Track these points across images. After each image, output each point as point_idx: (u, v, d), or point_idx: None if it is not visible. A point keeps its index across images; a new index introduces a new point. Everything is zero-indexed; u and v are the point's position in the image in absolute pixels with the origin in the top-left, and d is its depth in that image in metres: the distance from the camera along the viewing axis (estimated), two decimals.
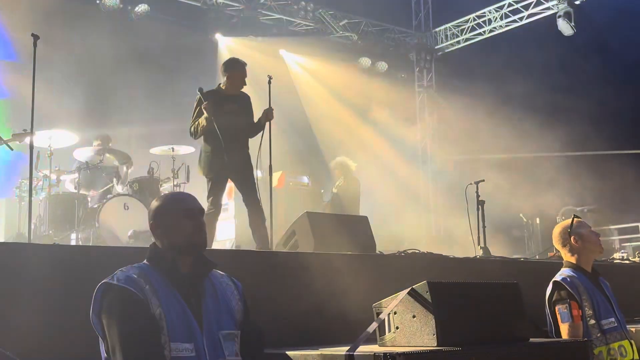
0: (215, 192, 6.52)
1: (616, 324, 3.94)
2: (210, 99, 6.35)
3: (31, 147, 6.09)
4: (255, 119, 6.77)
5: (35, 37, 6.04)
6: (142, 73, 10.96)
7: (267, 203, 7.33)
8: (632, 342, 3.95)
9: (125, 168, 8.78)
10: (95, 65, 10.32)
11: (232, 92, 6.58)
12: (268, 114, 6.64)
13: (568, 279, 3.96)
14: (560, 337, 3.85)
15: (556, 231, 4.22)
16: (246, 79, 6.61)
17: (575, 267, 4.08)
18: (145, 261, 2.83)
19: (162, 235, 2.85)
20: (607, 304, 4.00)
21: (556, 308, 3.89)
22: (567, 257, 4.17)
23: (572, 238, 4.10)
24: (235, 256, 4.94)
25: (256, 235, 6.54)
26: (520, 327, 3.42)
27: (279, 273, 4.61)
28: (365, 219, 6.50)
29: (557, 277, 4.01)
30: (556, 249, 4.47)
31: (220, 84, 6.67)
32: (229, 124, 6.41)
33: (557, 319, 3.88)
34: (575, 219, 4.17)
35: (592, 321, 3.87)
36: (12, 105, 9.45)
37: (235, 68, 6.56)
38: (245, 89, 6.73)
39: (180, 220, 2.83)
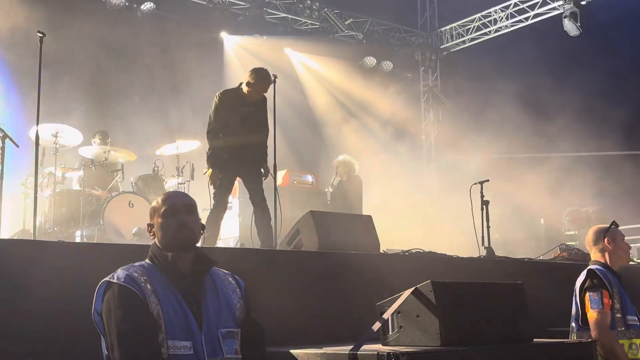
0: (222, 190, 6.54)
1: (638, 322, 4.04)
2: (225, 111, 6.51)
3: (37, 144, 6.11)
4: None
5: (42, 35, 6.05)
6: (148, 70, 11.00)
7: (272, 202, 7.34)
8: None
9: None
10: (101, 63, 10.34)
11: (252, 97, 6.63)
12: (265, 173, 6.78)
13: (602, 269, 4.08)
14: (587, 325, 3.92)
15: (593, 229, 4.35)
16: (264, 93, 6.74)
17: (603, 265, 4.19)
18: (146, 259, 2.86)
19: (155, 235, 2.92)
20: (630, 302, 4.10)
21: (587, 294, 3.96)
22: (596, 256, 4.27)
23: (606, 239, 4.22)
24: (239, 254, 4.95)
25: (261, 234, 6.58)
26: (524, 327, 3.42)
27: (283, 271, 4.62)
28: (369, 218, 6.50)
29: (592, 266, 4.12)
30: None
31: (242, 83, 6.68)
32: (243, 125, 6.56)
33: (585, 305, 3.95)
34: (614, 224, 4.32)
35: (619, 315, 3.96)
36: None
37: (264, 80, 6.61)
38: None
39: (164, 219, 2.88)
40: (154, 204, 3.00)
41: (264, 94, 6.76)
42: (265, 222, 6.59)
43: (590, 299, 3.93)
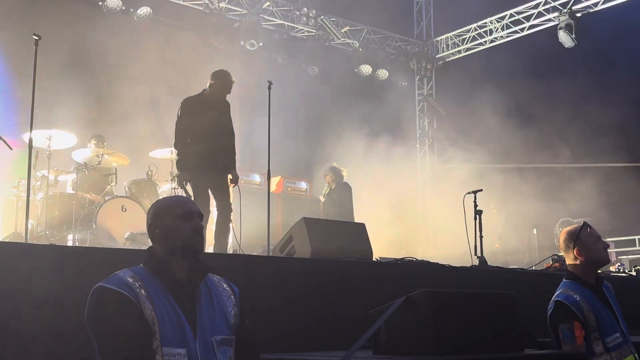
0: (200, 200, 6.42)
1: (621, 339, 3.77)
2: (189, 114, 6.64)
3: (30, 146, 6.09)
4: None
5: (37, 38, 6.05)
6: (143, 75, 10.99)
7: (265, 208, 7.34)
8: (636, 356, 3.85)
9: None
10: (96, 67, 10.34)
11: (215, 99, 6.81)
12: (234, 180, 6.85)
13: (571, 298, 3.76)
14: None
15: (562, 236, 3.99)
16: (231, 89, 6.90)
17: (576, 279, 3.89)
18: (141, 264, 2.82)
19: (160, 237, 2.83)
20: (611, 316, 3.83)
21: (559, 328, 3.72)
22: (569, 263, 3.97)
23: (575, 249, 3.90)
24: (233, 261, 4.93)
25: (217, 242, 6.58)
26: (515, 338, 3.41)
27: (276, 279, 4.61)
28: (362, 226, 6.49)
29: (559, 297, 3.81)
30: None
31: (205, 89, 6.85)
32: (210, 130, 6.68)
33: (560, 338, 3.71)
34: (584, 227, 3.94)
35: (596, 341, 3.72)
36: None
37: (222, 78, 6.80)
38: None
39: (178, 222, 2.81)
40: (160, 203, 2.94)
41: (226, 98, 6.90)
42: (224, 231, 6.64)
43: (562, 333, 3.68)
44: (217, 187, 6.75)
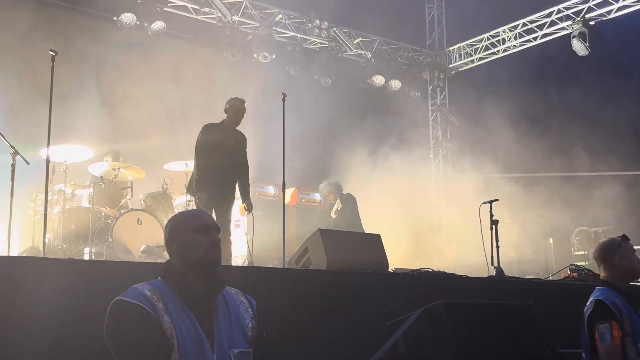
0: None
1: None
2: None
3: (47, 161, 6.15)
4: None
5: (54, 53, 6.11)
6: (158, 89, 11.07)
7: (279, 219, 7.35)
8: None
9: None
10: (112, 81, 10.42)
11: (232, 126, 7.24)
12: (248, 208, 7.31)
13: (610, 299, 3.88)
14: (597, 356, 3.77)
15: (601, 244, 4.15)
16: (245, 113, 7.32)
17: (611, 286, 4.00)
18: (159, 278, 2.83)
19: (178, 251, 2.84)
20: None
21: (596, 327, 3.78)
22: (604, 273, 4.08)
23: (617, 258, 4.03)
24: (248, 273, 4.94)
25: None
26: (534, 349, 3.39)
27: (292, 291, 4.60)
28: (377, 237, 6.48)
29: (599, 296, 3.93)
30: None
31: (224, 119, 7.28)
32: (226, 158, 7.11)
33: (595, 337, 3.78)
34: (624, 239, 4.11)
35: (630, 345, 3.78)
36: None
37: (236, 105, 7.23)
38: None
39: (196, 236, 2.82)
40: (178, 218, 2.94)
41: (240, 124, 7.29)
42: (224, 244, 6.83)
43: (599, 332, 3.75)
44: (219, 202, 7.00)
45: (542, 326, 3.52)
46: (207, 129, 7.12)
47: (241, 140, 7.33)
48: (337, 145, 12.86)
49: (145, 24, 11.00)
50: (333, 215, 10.04)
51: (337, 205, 9.99)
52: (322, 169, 12.46)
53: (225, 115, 7.23)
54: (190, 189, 7.20)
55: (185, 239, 2.83)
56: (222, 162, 7.05)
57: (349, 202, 10.02)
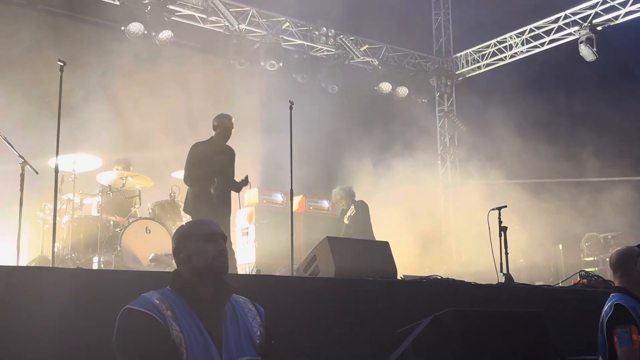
0: None
1: None
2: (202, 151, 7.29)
3: (56, 171, 6.16)
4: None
5: (62, 64, 6.15)
6: (165, 98, 11.11)
7: (287, 227, 7.35)
8: None
9: None
10: (119, 90, 10.46)
11: (221, 143, 7.42)
12: (246, 181, 7.46)
13: (630, 302, 3.90)
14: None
15: (618, 252, 4.18)
16: (233, 130, 7.53)
17: (628, 293, 4.01)
18: (167, 286, 2.84)
19: (185, 260, 2.85)
20: None
21: (615, 331, 3.78)
22: (621, 280, 4.10)
23: (638, 265, 4.05)
24: (256, 281, 4.94)
25: None
26: (544, 357, 3.37)
27: (300, 299, 4.60)
28: (386, 245, 6.47)
29: (619, 300, 3.93)
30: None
31: (212, 136, 7.47)
32: (218, 173, 7.23)
33: (614, 341, 3.77)
34: None
35: None
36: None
37: (223, 121, 7.43)
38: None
39: (202, 244, 2.83)
40: (184, 228, 2.96)
41: (229, 140, 7.46)
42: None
43: (618, 336, 3.74)
44: (217, 214, 7.04)
45: (552, 333, 3.50)
46: (196, 146, 7.35)
47: (231, 154, 7.54)
48: (344, 152, 12.87)
49: (153, 34, 11.05)
50: (346, 221, 10.02)
51: (351, 211, 9.97)
52: (330, 176, 12.46)
53: (214, 132, 7.46)
54: (187, 208, 7.42)
55: (192, 247, 2.84)
56: (214, 176, 7.20)
57: (362, 208, 10.02)
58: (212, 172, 7.14)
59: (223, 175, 7.32)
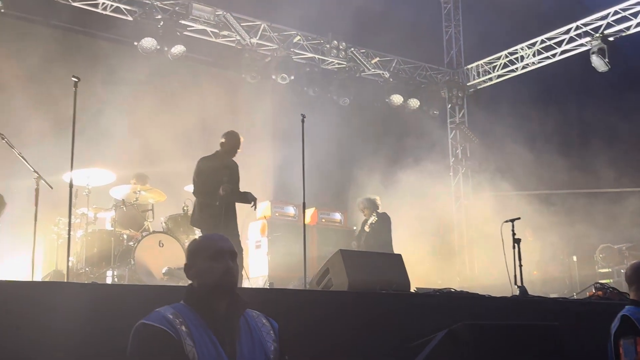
0: None
1: None
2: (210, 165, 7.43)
3: (71, 185, 6.21)
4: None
5: (77, 80, 6.21)
6: (177, 111, 11.18)
7: (300, 240, 7.36)
8: None
9: None
10: (132, 105, 10.53)
11: (226, 158, 7.53)
12: (254, 202, 7.48)
13: (637, 315, 3.90)
14: None
15: (633, 265, 4.19)
16: (240, 149, 7.63)
17: None
18: (181, 301, 2.85)
19: (195, 277, 2.88)
20: None
21: (620, 342, 3.79)
22: (636, 293, 4.11)
23: None
24: (269, 295, 4.93)
25: None
26: None
27: (314, 312, 4.59)
28: (399, 257, 6.45)
29: (626, 312, 3.95)
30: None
31: (218, 150, 7.58)
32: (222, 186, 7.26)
33: (620, 352, 3.78)
34: None
35: None
36: None
37: (231, 138, 7.53)
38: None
39: (209, 262, 2.85)
40: (194, 244, 2.98)
41: (234, 157, 7.56)
42: None
43: (623, 348, 3.75)
44: (224, 225, 7.13)
45: (568, 347, 3.47)
46: (202, 160, 7.49)
47: (235, 168, 7.64)
48: (356, 164, 12.87)
49: (165, 48, 11.13)
50: (367, 229, 10.02)
51: (373, 218, 9.98)
52: (342, 188, 12.46)
53: (220, 147, 7.54)
54: (193, 220, 7.52)
55: (200, 265, 2.87)
56: (218, 188, 7.26)
57: (384, 220, 10.03)
58: (217, 184, 7.24)
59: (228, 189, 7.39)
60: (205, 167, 7.42)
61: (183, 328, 2.67)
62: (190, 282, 2.93)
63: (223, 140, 7.54)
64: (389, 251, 9.41)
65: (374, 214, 10.02)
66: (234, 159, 7.63)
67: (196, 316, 2.75)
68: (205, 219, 7.30)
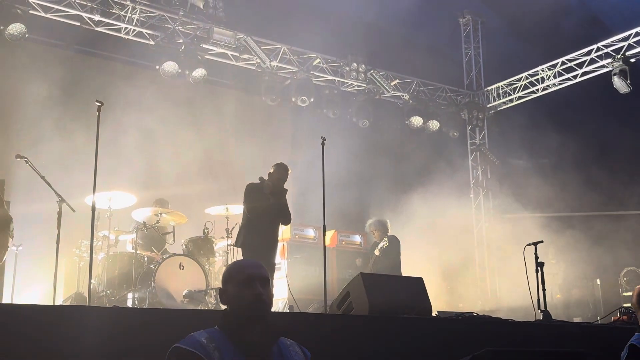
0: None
1: None
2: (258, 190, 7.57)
3: (93, 208, 6.27)
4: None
5: (100, 104, 6.29)
6: (198, 134, 11.27)
7: (320, 262, 7.33)
8: None
9: None
10: (153, 128, 10.62)
11: (275, 188, 7.58)
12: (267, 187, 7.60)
13: None
14: None
15: (638, 290, 4.23)
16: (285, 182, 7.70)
17: None
18: (216, 326, 2.84)
19: (227, 302, 2.87)
20: None
21: None
22: None
23: None
24: (290, 319, 4.91)
25: None
26: None
27: (333, 336, 4.55)
28: (420, 280, 6.40)
29: (634, 341, 3.89)
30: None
31: (265, 180, 7.65)
32: (269, 213, 7.49)
33: None
34: None
35: None
36: None
37: (279, 169, 7.65)
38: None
39: (239, 289, 2.83)
40: (227, 270, 2.97)
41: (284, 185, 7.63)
42: None
43: None
44: (264, 248, 7.32)
45: None
46: (250, 185, 7.61)
47: (281, 193, 7.69)
48: (376, 186, 12.85)
49: (187, 72, 11.25)
50: (377, 252, 9.94)
51: (384, 242, 9.89)
52: (362, 210, 12.42)
53: (268, 177, 7.61)
54: (238, 241, 7.61)
55: (231, 291, 2.85)
56: (265, 215, 7.47)
57: (395, 243, 9.95)
58: (264, 212, 7.47)
59: (274, 215, 7.58)
60: (253, 190, 7.59)
61: (216, 353, 2.66)
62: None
63: (272, 170, 7.67)
64: (397, 274, 9.33)
65: (385, 238, 9.96)
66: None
67: (229, 342, 2.74)
68: (250, 240, 7.45)
